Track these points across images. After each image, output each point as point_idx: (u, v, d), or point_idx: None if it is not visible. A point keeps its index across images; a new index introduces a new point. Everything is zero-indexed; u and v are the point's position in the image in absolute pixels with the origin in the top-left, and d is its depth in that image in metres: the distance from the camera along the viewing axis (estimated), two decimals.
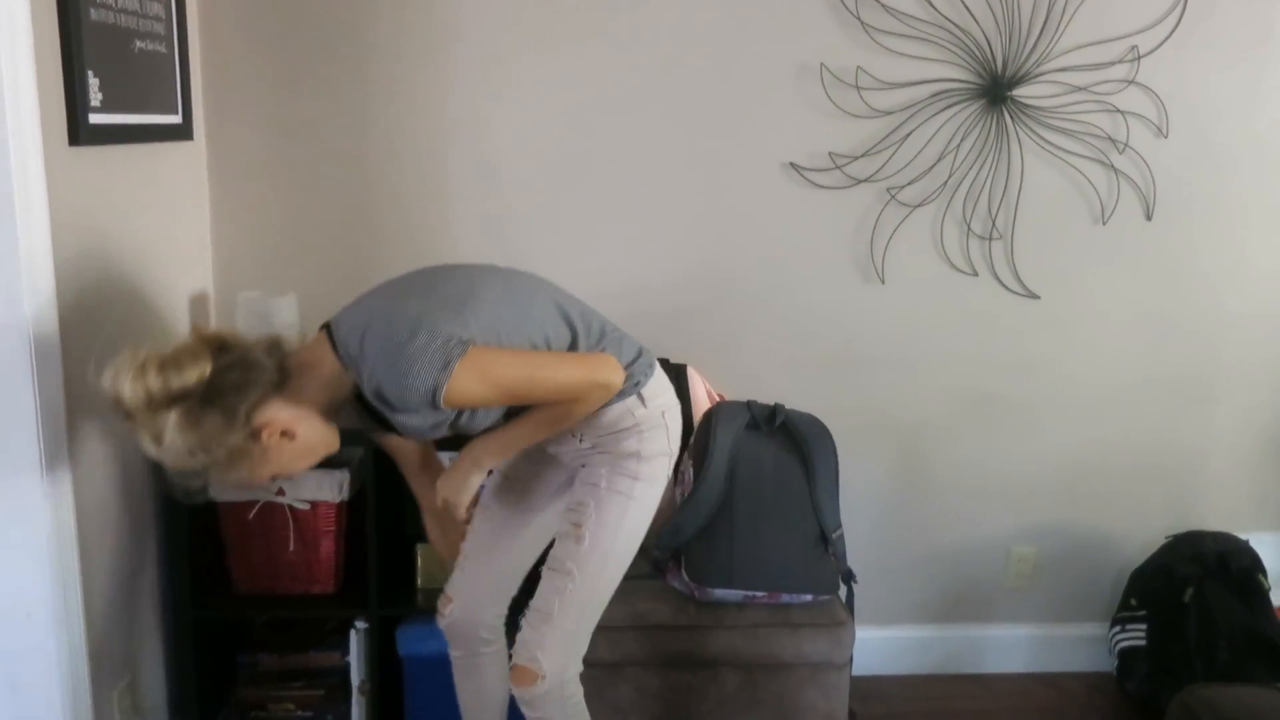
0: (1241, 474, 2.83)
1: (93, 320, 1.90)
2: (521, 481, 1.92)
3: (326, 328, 1.65)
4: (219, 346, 1.56)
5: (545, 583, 1.80)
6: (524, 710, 1.82)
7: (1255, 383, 2.78)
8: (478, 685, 2.03)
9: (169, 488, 1.61)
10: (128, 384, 1.48)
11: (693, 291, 2.62)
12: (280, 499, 2.29)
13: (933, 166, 2.57)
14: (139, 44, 2.06)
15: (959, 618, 2.86)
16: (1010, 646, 2.88)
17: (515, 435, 1.75)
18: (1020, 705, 2.74)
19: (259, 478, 1.63)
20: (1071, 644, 2.88)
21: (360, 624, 2.35)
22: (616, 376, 1.70)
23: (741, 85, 2.51)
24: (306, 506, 2.31)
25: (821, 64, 2.50)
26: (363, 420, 1.71)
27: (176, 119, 2.27)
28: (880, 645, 2.80)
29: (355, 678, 2.38)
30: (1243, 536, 2.69)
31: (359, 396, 1.66)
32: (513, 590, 1.99)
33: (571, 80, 2.48)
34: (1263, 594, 2.60)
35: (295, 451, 1.62)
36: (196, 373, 1.50)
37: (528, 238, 2.55)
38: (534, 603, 1.81)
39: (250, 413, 1.54)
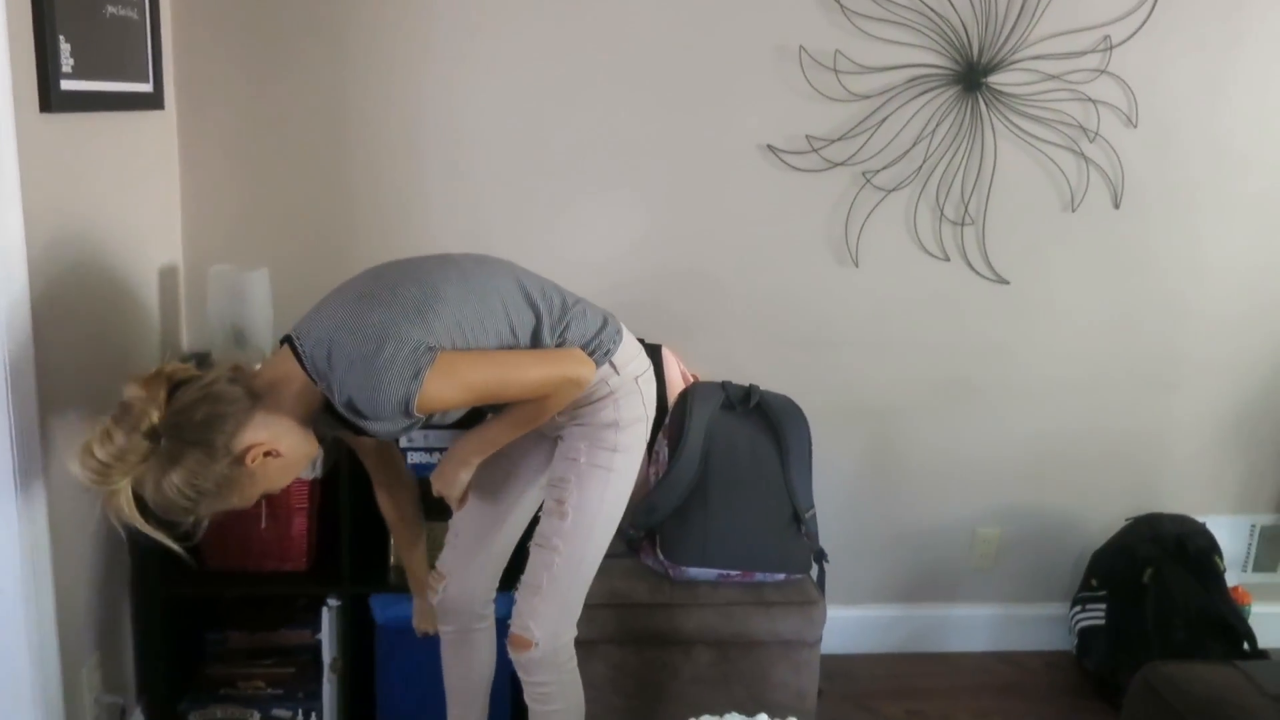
0: (1200, 459, 2.90)
1: (61, 283, 1.86)
2: (506, 458, 1.92)
3: (288, 340, 1.63)
4: (173, 385, 1.54)
5: (533, 558, 1.83)
6: (521, 675, 1.87)
7: (1214, 371, 2.84)
8: (468, 661, 2.04)
9: (156, 546, 1.58)
10: (92, 460, 1.48)
11: (668, 272, 2.62)
12: None
13: (908, 151, 2.59)
14: (110, 9, 2.01)
15: (924, 597, 2.91)
16: (974, 626, 2.93)
17: (496, 433, 1.78)
18: (982, 683, 2.79)
19: (250, 500, 1.62)
20: (1033, 623, 2.94)
21: (333, 601, 2.34)
22: (586, 371, 1.72)
23: (720, 67, 2.51)
24: None
25: (800, 46, 2.51)
26: (332, 425, 1.69)
27: (147, 87, 2.23)
28: (848, 624, 2.84)
29: (326, 655, 2.36)
30: (1200, 519, 2.76)
31: (327, 404, 1.64)
32: (503, 563, 2.01)
33: (547, 57, 2.47)
34: (1218, 575, 2.68)
35: (282, 468, 1.62)
36: (152, 414, 1.49)
37: (501, 215, 2.54)
38: (524, 577, 1.84)
39: (229, 441, 1.53)
